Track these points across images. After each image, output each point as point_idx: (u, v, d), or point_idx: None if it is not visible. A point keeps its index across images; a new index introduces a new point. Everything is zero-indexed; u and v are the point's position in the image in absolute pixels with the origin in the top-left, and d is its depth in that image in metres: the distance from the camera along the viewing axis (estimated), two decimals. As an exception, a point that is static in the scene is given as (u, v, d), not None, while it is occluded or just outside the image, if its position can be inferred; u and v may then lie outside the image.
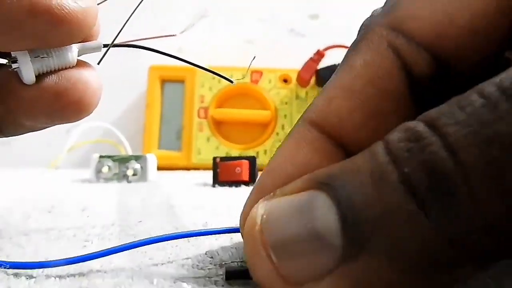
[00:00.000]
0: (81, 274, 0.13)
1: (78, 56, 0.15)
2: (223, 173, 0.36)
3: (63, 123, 0.16)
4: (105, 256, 0.14)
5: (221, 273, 0.13)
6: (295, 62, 0.57)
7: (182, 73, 0.59)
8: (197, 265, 0.14)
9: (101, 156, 0.40)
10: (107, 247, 0.14)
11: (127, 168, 0.40)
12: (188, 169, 0.54)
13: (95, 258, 0.14)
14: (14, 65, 0.15)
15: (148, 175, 0.40)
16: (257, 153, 0.56)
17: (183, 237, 0.16)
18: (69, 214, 0.23)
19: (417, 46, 0.12)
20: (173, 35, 0.18)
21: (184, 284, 0.12)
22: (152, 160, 0.41)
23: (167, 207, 0.26)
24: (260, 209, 0.11)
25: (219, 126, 0.57)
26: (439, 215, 0.09)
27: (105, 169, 0.40)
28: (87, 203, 0.27)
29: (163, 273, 0.13)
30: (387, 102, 0.12)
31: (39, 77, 0.15)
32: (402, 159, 0.09)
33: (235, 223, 0.18)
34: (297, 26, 0.67)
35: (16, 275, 0.13)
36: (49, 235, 0.18)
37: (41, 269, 0.13)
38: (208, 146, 0.56)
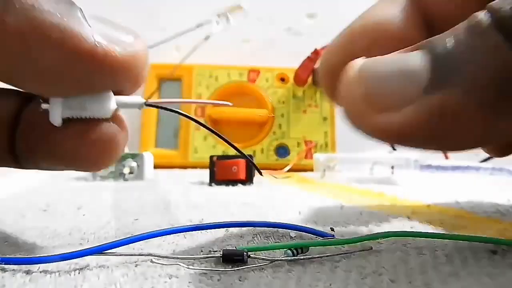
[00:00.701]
0: (77, 272, 0.13)
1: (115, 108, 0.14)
2: (220, 172, 0.36)
3: (78, 171, 0.15)
4: (101, 251, 0.14)
5: (217, 268, 0.13)
6: (292, 61, 0.57)
7: (179, 72, 0.59)
8: (193, 262, 0.14)
9: (97, 155, 0.40)
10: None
11: (124, 166, 0.40)
12: (185, 167, 0.54)
13: (90, 254, 0.14)
14: (44, 106, 0.14)
15: (144, 174, 0.40)
16: (254, 152, 0.56)
17: (180, 232, 0.16)
18: (64, 213, 0.23)
19: None
20: (228, 105, 0.17)
21: (180, 281, 0.12)
22: (148, 158, 0.41)
23: (164, 206, 0.26)
24: (360, 60, 0.13)
25: (216, 125, 0.57)
26: None
27: (101, 168, 0.39)
28: (83, 201, 0.27)
29: (159, 270, 0.13)
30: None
31: (68, 121, 0.14)
32: (498, 8, 0.11)
33: (232, 221, 0.18)
34: (294, 25, 0.67)
35: (11, 273, 0.13)
36: (44, 234, 0.18)
37: (37, 267, 0.13)
38: (205, 145, 0.56)
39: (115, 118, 0.14)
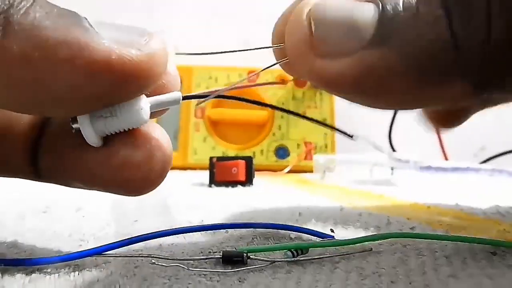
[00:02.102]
0: (76, 273, 0.13)
1: (151, 111, 0.13)
2: (219, 173, 0.36)
3: (118, 194, 0.14)
4: (100, 253, 0.14)
5: (217, 270, 0.13)
6: (291, 62, 0.57)
7: (179, 73, 0.59)
8: (193, 263, 0.14)
9: (97, 156, 0.40)
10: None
11: (123, 168, 0.40)
12: (184, 169, 0.54)
13: (90, 255, 0.14)
14: (74, 126, 0.13)
15: (144, 175, 0.40)
16: (254, 153, 0.56)
17: (179, 233, 0.16)
18: (64, 214, 0.23)
19: None
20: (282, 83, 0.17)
21: (179, 282, 0.12)
22: (148, 160, 0.41)
23: (163, 207, 0.26)
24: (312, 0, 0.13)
25: (216, 126, 0.56)
26: (457, 22, 0.11)
27: (101, 169, 0.39)
28: (82, 202, 0.27)
29: (158, 271, 0.13)
30: None
31: (107, 139, 0.13)
32: None
33: (231, 222, 0.18)
34: (294, 26, 0.67)
35: (10, 274, 0.13)
36: (44, 235, 0.18)
37: (36, 268, 0.13)
38: (205, 146, 0.56)
39: (152, 127, 0.13)
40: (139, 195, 0.14)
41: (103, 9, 0.65)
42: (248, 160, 0.37)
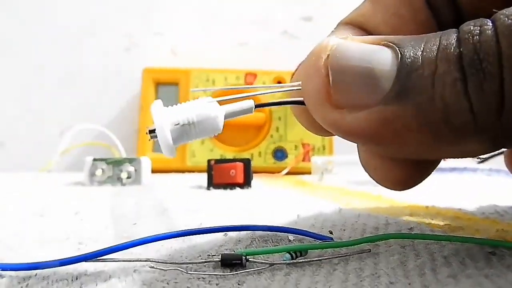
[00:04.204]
0: (75, 278, 0.13)
1: (225, 119, 0.13)
2: (217, 176, 0.36)
3: None
4: (98, 257, 0.14)
5: (216, 273, 0.13)
6: (289, 64, 0.57)
7: (176, 76, 0.59)
8: (192, 267, 0.14)
9: (94, 159, 0.40)
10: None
11: (121, 171, 0.40)
12: (182, 171, 0.54)
13: (88, 259, 0.13)
14: (151, 135, 0.13)
15: (142, 178, 0.40)
16: (252, 155, 0.56)
17: (178, 236, 0.16)
18: (62, 218, 0.23)
19: None
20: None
21: (178, 286, 0.12)
22: (146, 163, 0.41)
23: (162, 210, 0.26)
24: (333, 40, 0.13)
25: (214, 129, 0.56)
26: (472, 87, 0.11)
27: (98, 172, 0.39)
28: (81, 206, 0.27)
29: (157, 275, 0.13)
30: (405, 8, 0.15)
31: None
32: (464, 39, 0.11)
33: (230, 225, 0.18)
34: (291, 28, 0.67)
35: (8, 279, 0.13)
36: (42, 239, 0.18)
37: (34, 273, 0.13)
38: (203, 149, 0.56)
39: None
40: None
41: (101, 12, 0.65)
42: (246, 162, 0.37)
